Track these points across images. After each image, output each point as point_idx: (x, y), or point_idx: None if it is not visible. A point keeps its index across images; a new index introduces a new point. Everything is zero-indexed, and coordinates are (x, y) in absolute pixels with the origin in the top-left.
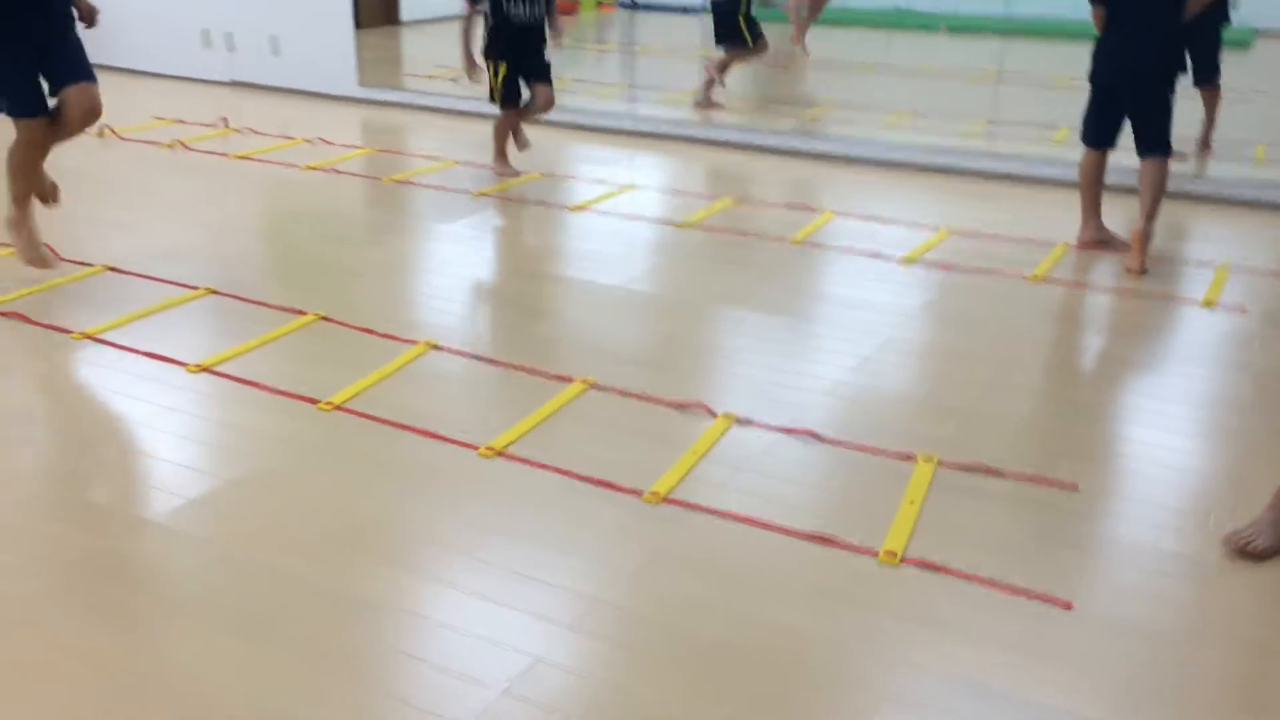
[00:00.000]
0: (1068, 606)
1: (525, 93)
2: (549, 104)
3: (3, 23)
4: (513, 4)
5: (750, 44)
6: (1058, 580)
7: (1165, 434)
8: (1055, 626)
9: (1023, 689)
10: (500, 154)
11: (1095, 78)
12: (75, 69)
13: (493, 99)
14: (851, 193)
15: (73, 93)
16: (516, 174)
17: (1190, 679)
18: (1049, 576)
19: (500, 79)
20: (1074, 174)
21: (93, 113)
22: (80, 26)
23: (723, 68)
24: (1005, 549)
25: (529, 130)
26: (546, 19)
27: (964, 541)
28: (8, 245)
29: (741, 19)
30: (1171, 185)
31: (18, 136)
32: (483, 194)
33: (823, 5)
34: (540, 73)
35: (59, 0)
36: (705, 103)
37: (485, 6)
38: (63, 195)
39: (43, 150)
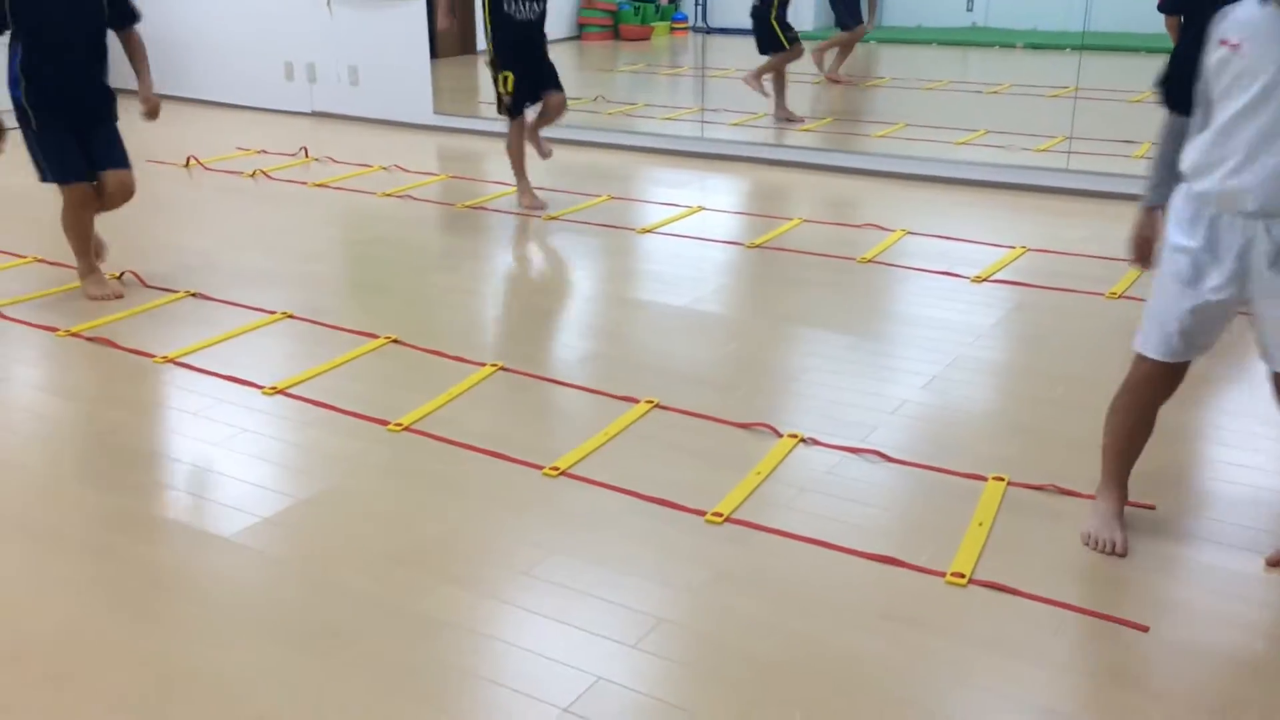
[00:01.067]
0: (1143, 630)
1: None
2: (561, 109)
3: (43, 101)
4: (513, 3)
5: (786, 45)
6: (1133, 603)
7: (1246, 453)
8: (1130, 650)
9: (1096, 715)
10: (521, 174)
11: None
12: (111, 155)
13: (501, 110)
14: (925, 211)
15: (109, 178)
16: (544, 205)
17: (1270, 705)
18: (1124, 599)
19: (510, 88)
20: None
21: (126, 195)
22: (140, 112)
23: (760, 75)
24: (1078, 571)
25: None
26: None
27: (1035, 563)
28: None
29: (775, 23)
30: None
31: (65, 200)
32: (552, 218)
33: (854, 45)
34: (549, 78)
35: (99, 88)
36: (784, 114)
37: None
38: (149, 223)
39: (90, 212)
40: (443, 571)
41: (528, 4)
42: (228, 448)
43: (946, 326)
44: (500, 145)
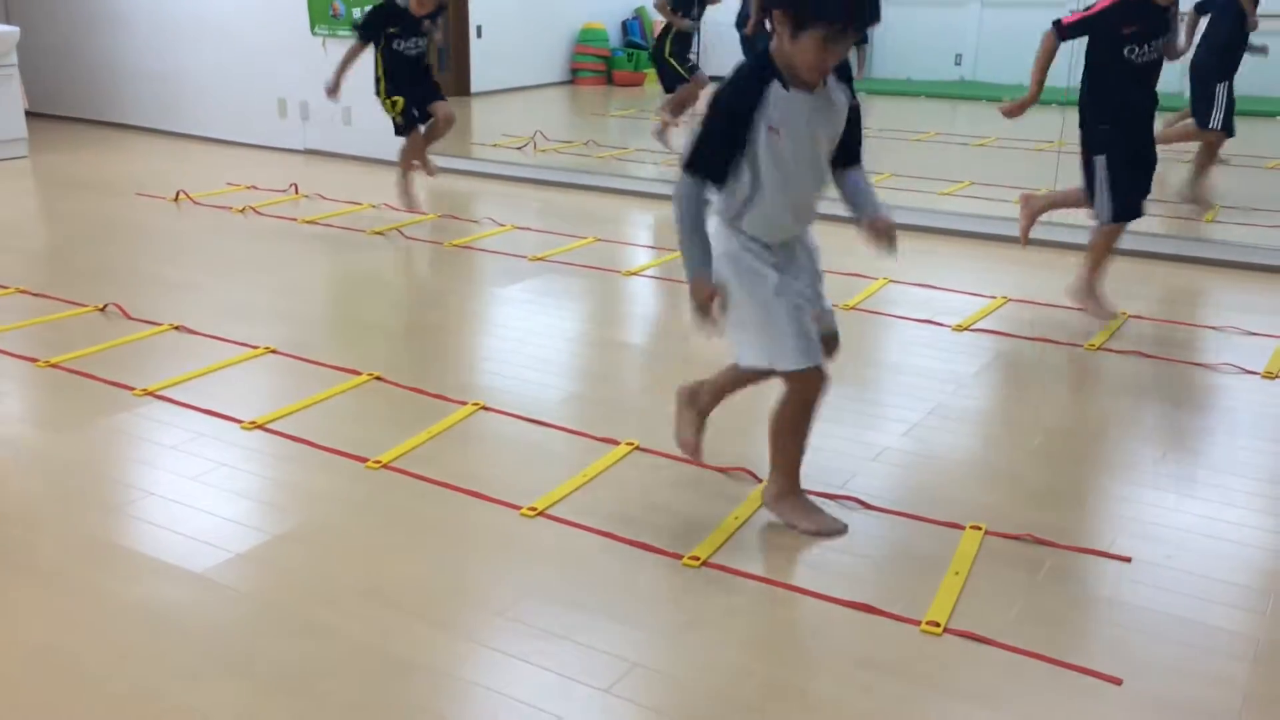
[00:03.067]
0: (1116, 682)
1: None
2: (450, 120)
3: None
4: (404, 42)
5: (686, 77)
6: (1107, 655)
7: (1223, 507)
8: (1103, 703)
9: None
10: (406, 178)
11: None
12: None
13: (397, 132)
14: (908, 260)
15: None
16: (424, 212)
17: None
18: (1098, 651)
19: (399, 111)
20: (1138, 243)
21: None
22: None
23: (669, 109)
24: (1053, 622)
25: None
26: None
27: (1010, 613)
28: (78, 304)
29: (670, 59)
30: (1235, 255)
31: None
32: (538, 258)
33: None
34: (434, 94)
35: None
36: (667, 145)
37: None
38: (136, 256)
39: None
40: (416, 612)
41: (414, 42)
42: (204, 482)
43: (927, 374)
44: (490, 184)
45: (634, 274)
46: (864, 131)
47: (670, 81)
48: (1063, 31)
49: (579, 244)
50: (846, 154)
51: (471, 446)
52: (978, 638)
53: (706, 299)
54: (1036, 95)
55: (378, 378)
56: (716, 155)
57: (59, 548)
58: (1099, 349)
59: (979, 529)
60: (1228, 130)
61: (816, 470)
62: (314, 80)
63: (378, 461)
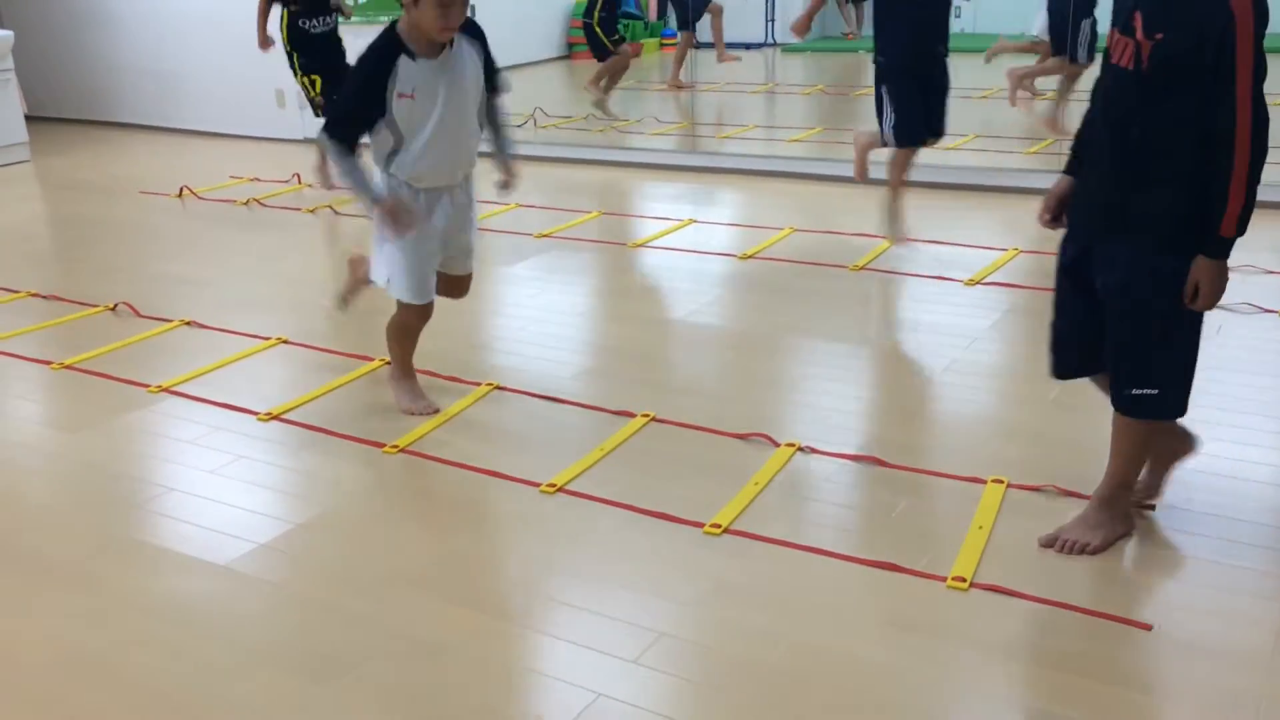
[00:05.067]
0: (1147, 628)
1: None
2: None
3: None
4: (308, 20)
5: (612, 50)
6: (1136, 602)
7: (1242, 447)
8: (1135, 649)
9: (1101, 715)
10: (322, 167)
11: None
12: None
13: (316, 112)
14: (916, 216)
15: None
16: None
17: (1275, 700)
18: (1126, 598)
19: (318, 91)
20: None
21: None
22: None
23: (597, 80)
24: (1079, 571)
25: None
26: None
27: (1036, 565)
28: (88, 305)
29: (598, 29)
30: None
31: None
32: (544, 235)
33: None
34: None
35: None
36: (607, 114)
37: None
38: (143, 254)
39: None
40: (442, 593)
41: (320, 19)
42: (224, 475)
43: (941, 331)
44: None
45: (641, 245)
46: (865, 90)
47: (599, 52)
48: None
49: (584, 219)
50: (490, 88)
51: (488, 426)
52: (1005, 590)
53: (390, 210)
54: (815, 9)
55: (389, 363)
56: (352, 123)
57: (83, 547)
58: None
59: (1001, 482)
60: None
61: (833, 432)
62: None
63: (395, 446)
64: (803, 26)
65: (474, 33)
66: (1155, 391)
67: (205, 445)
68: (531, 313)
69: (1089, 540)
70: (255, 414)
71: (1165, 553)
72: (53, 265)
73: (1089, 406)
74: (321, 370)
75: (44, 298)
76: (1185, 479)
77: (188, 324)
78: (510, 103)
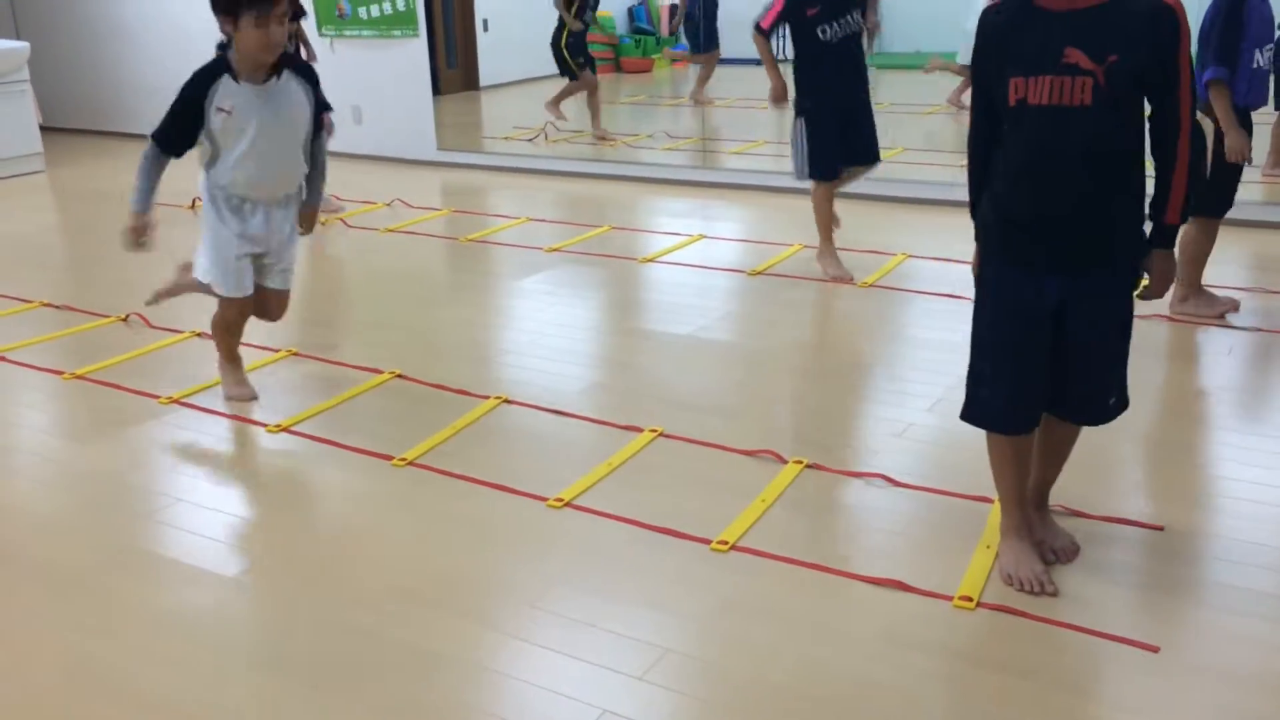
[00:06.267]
0: (1154, 650)
1: None
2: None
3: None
4: None
5: (573, 74)
6: (1143, 623)
7: (1253, 469)
8: (1141, 671)
9: None
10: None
11: None
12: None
13: None
14: (926, 234)
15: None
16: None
17: None
18: (1133, 620)
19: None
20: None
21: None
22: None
23: (558, 101)
24: (1087, 593)
25: None
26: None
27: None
28: (100, 315)
29: (565, 50)
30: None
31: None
32: (554, 249)
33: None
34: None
35: None
36: (599, 134)
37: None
38: (155, 266)
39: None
40: (448, 606)
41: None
42: (232, 486)
43: (950, 349)
44: (502, 178)
45: (650, 260)
46: (875, 106)
47: (564, 72)
48: (765, 31)
49: (594, 233)
50: (312, 143)
51: (496, 440)
52: (1012, 610)
53: (135, 229)
54: (779, 81)
55: (399, 375)
56: (174, 134)
57: (92, 557)
58: None
59: None
60: None
61: (841, 450)
62: (324, 82)
63: (403, 459)
64: (778, 95)
65: (306, 74)
66: (1118, 394)
67: (214, 457)
68: (540, 326)
69: (1070, 539)
70: (265, 426)
71: (1173, 574)
72: (65, 276)
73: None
74: (331, 382)
75: (56, 308)
76: (1194, 501)
77: (198, 335)
78: (522, 117)
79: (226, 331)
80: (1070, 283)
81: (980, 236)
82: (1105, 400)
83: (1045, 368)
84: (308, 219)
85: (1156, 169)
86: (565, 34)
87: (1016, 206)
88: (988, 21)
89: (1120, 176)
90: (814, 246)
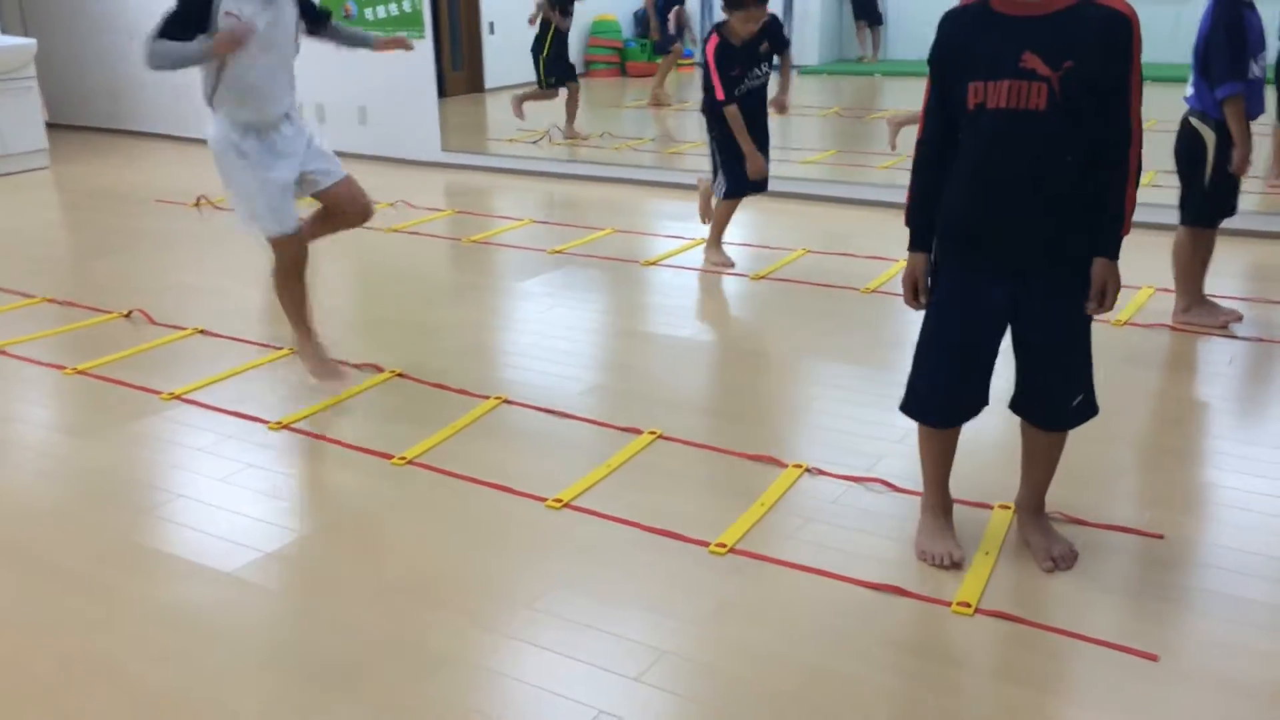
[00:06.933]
0: (1152, 659)
1: None
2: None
3: None
4: None
5: (542, 84)
6: (1142, 632)
7: (1254, 479)
8: (1140, 679)
9: None
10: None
11: None
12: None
13: None
14: None
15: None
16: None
17: None
18: (1132, 628)
19: None
20: (1160, 216)
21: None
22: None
23: (520, 102)
24: (1086, 600)
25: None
26: None
27: (1043, 592)
28: (102, 311)
29: (541, 62)
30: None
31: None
32: (557, 251)
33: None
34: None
35: None
36: (570, 134)
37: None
38: (158, 262)
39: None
40: (445, 605)
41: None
42: (233, 483)
43: None
44: (506, 180)
45: (653, 264)
46: (880, 114)
47: (539, 82)
48: (728, 100)
49: (597, 236)
50: (313, 22)
51: (495, 440)
52: (1010, 617)
53: (223, 37)
54: (753, 151)
55: (400, 374)
56: (177, 32)
57: (91, 552)
58: (1125, 324)
59: (1008, 508)
60: None
61: (841, 455)
62: (330, 81)
63: (403, 458)
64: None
65: None
66: (1083, 396)
67: (215, 453)
68: (542, 328)
69: (1069, 545)
70: (266, 423)
71: (1173, 583)
72: (68, 271)
73: (1093, 436)
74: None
75: (59, 303)
76: (1195, 509)
77: (201, 332)
78: (526, 120)
79: (291, 279)
80: (1021, 286)
81: (918, 242)
82: (1065, 403)
83: (986, 369)
84: (383, 43)
85: (1107, 179)
86: (549, 47)
87: (969, 210)
88: (947, 27)
89: (1072, 182)
90: (818, 252)
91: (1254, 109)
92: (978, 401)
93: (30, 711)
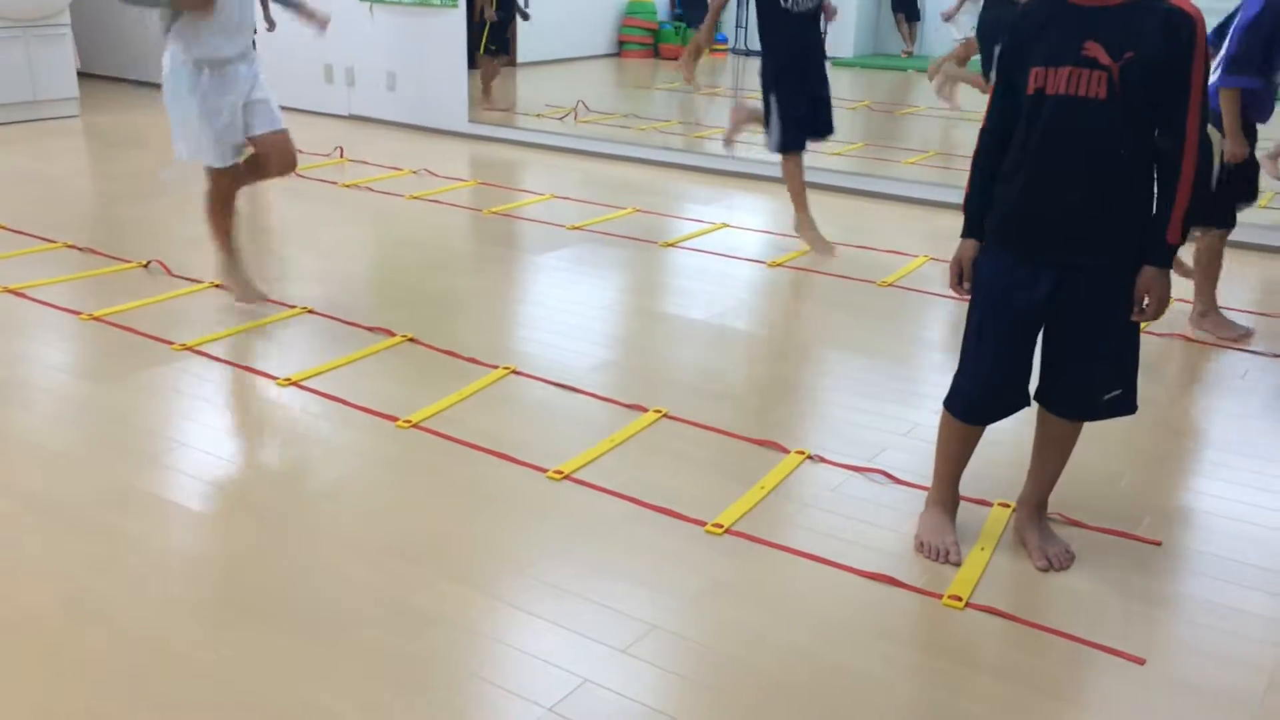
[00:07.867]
0: (1140, 662)
1: None
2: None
3: None
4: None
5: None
6: (1130, 635)
7: (1254, 491)
8: (1125, 682)
9: None
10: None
11: None
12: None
13: None
14: (950, 238)
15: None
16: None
17: None
18: (1121, 631)
19: None
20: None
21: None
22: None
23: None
24: (1078, 601)
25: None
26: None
27: (1035, 591)
28: (122, 260)
29: (481, 52)
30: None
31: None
32: (576, 228)
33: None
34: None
35: None
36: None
37: None
38: (182, 218)
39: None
40: (441, 567)
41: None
42: (237, 435)
43: None
44: (532, 155)
45: (671, 245)
46: (911, 109)
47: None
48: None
49: (618, 214)
50: None
51: (501, 409)
52: (1000, 613)
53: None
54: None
55: (411, 339)
56: None
57: (93, 494)
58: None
59: (1007, 506)
60: None
61: (845, 444)
62: (360, 47)
63: (408, 421)
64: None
65: None
66: (1120, 391)
67: (222, 405)
68: (556, 302)
69: (1066, 545)
70: (274, 379)
71: (1166, 590)
72: (91, 219)
73: (1095, 436)
74: (343, 342)
75: (80, 250)
76: (1194, 520)
77: (217, 286)
78: (555, 95)
79: (224, 208)
80: (1066, 274)
81: (971, 229)
82: (1100, 394)
83: (1027, 361)
84: (305, 8)
85: (1160, 184)
86: (485, 42)
87: (1021, 197)
88: (1023, 14)
89: (1126, 174)
90: (838, 243)
91: (1264, 113)
92: (1018, 399)
93: (24, 645)
